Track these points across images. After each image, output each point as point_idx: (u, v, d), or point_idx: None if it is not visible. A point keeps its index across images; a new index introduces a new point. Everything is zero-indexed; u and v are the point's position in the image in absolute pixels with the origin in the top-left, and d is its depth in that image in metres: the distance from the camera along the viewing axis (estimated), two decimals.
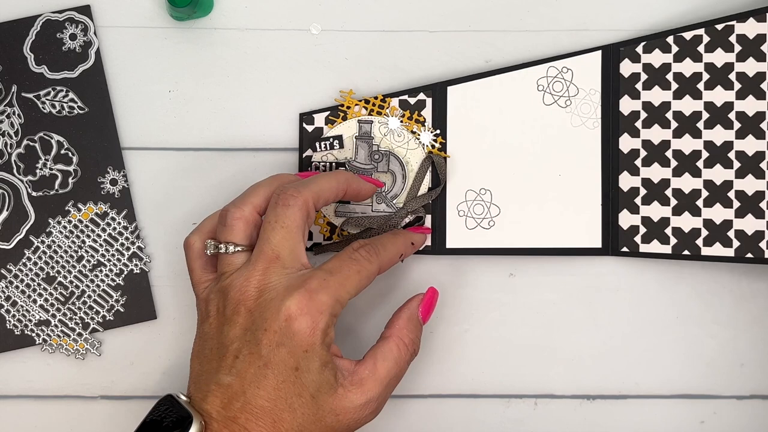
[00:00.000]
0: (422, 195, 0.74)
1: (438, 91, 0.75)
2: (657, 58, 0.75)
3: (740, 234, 0.74)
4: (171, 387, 0.77)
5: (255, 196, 0.67)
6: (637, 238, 0.75)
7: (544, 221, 0.75)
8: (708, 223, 0.74)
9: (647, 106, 0.75)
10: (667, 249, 0.74)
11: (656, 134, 0.75)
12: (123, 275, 0.76)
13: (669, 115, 0.75)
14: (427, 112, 0.75)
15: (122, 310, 0.76)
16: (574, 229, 0.75)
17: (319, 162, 0.75)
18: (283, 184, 0.67)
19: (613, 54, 0.75)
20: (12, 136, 0.75)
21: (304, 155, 0.75)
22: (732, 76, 0.74)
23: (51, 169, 0.75)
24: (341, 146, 0.75)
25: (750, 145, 0.74)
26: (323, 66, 0.77)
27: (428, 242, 0.75)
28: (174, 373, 0.77)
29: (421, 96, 0.75)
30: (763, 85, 0.74)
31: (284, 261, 0.64)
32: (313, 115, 0.75)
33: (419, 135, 0.75)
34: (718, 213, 0.74)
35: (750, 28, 0.74)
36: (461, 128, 0.75)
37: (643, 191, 0.74)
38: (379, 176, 0.75)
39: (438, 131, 0.75)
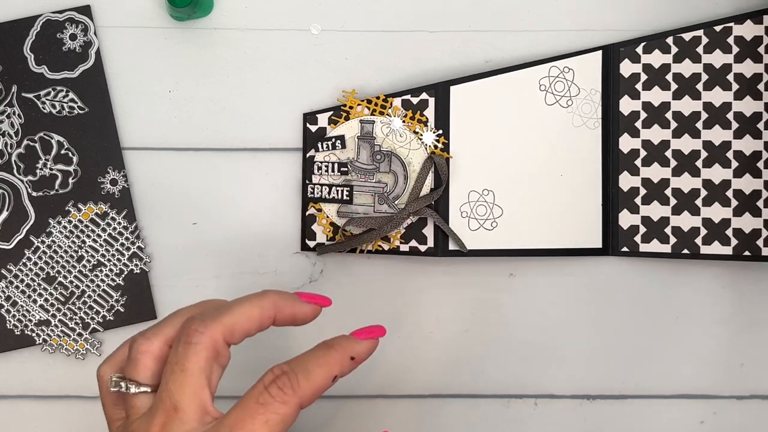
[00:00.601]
0: (424, 196, 0.74)
1: (441, 90, 0.75)
2: (657, 58, 0.75)
3: (738, 232, 0.74)
4: None
5: (169, 326, 0.58)
6: (637, 238, 0.75)
7: (545, 222, 0.75)
8: (707, 222, 0.74)
9: (647, 106, 0.75)
10: (666, 248, 0.75)
11: (656, 134, 0.75)
12: (123, 275, 0.76)
13: (668, 115, 0.75)
14: (430, 112, 0.75)
15: (122, 310, 0.76)
16: (575, 229, 0.75)
17: (322, 162, 0.75)
18: (192, 316, 0.57)
19: (613, 54, 0.75)
20: (12, 136, 0.75)
21: (307, 155, 0.75)
22: (730, 77, 0.75)
23: (51, 169, 0.75)
24: (343, 146, 0.75)
25: (747, 144, 0.74)
26: (323, 66, 0.77)
27: (431, 244, 0.75)
28: None
29: (424, 96, 0.75)
30: (760, 86, 0.75)
31: (183, 413, 0.55)
32: (317, 115, 0.75)
33: (422, 135, 0.75)
34: (716, 212, 0.74)
35: (747, 30, 0.75)
36: (464, 128, 0.75)
37: (643, 191, 0.75)
38: (380, 177, 0.75)
39: (441, 131, 0.75)
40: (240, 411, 0.54)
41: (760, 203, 0.74)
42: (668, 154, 0.75)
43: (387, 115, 0.75)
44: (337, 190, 0.75)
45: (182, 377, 0.55)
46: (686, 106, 0.75)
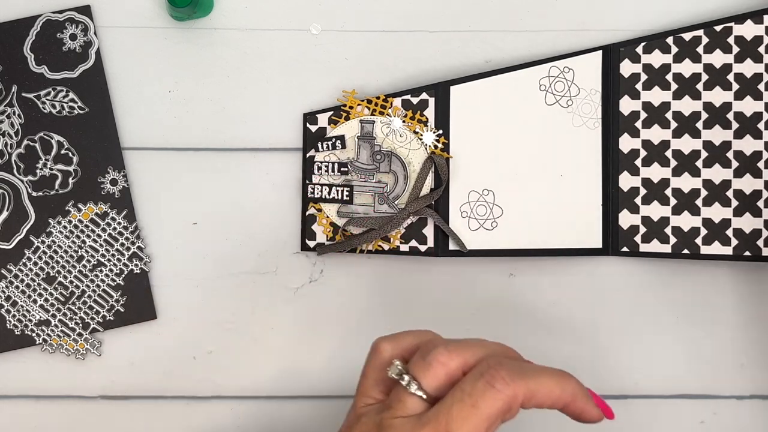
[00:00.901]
0: (424, 196, 0.74)
1: (441, 90, 0.75)
2: (657, 58, 0.75)
3: (738, 232, 0.74)
4: (171, 387, 0.77)
5: (470, 353, 0.57)
6: (637, 238, 0.75)
7: (545, 222, 0.75)
8: (707, 222, 0.74)
9: (647, 106, 0.75)
10: (666, 248, 0.74)
11: (656, 134, 0.75)
12: (123, 275, 0.76)
13: (668, 115, 0.75)
14: (430, 112, 0.75)
15: (122, 310, 0.76)
16: (575, 229, 0.75)
17: (322, 162, 0.75)
18: (499, 357, 0.56)
19: (613, 54, 0.75)
20: (12, 136, 0.75)
21: (307, 155, 0.75)
22: (730, 77, 0.75)
23: (51, 169, 0.75)
24: (343, 146, 0.75)
25: (748, 144, 0.74)
26: (323, 66, 0.77)
27: (431, 244, 0.75)
28: (174, 373, 0.77)
29: (424, 96, 0.75)
30: (761, 86, 0.74)
31: None
32: (317, 115, 0.75)
33: (422, 135, 0.75)
34: (716, 212, 0.74)
35: (747, 30, 0.75)
36: (464, 128, 0.75)
37: (643, 191, 0.75)
38: (380, 177, 0.75)
39: (441, 131, 0.75)
40: None
41: (760, 203, 0.74)
42: (668, 154, 0.75)
43: (387, 115, 0.75)
44: (337, 190, 0.75)
45: (469, 411, 0.54)
46: (686, 106, 0.75)
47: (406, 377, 0.56)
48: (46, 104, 0.75)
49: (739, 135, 0.74)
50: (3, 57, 0.75)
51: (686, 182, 0.75)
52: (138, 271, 0.76)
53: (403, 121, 0.75)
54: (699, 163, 0.74)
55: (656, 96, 0.75)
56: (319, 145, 0.75)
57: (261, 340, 0.76)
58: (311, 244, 0.75)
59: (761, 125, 0.74)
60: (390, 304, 0.76)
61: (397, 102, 0.75)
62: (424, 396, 0.55)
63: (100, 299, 0.75)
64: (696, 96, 0.75)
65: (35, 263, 0.75)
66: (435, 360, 0.56)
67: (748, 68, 0.75)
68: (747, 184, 0.74)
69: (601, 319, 0.77)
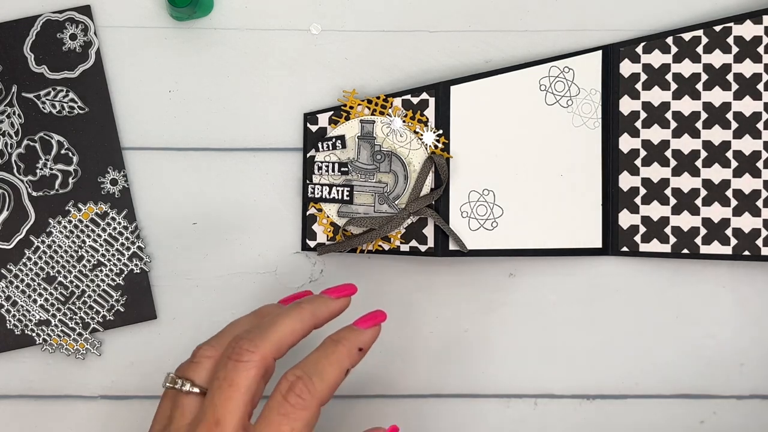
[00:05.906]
0: (424, 196, 0.74)
1: (441, 90, 0.75)
2: (656, 58, 0.75)
3: (738, 232, 0.74)
4: None
5: (227, 338, 0.61)
6: (637, 238, 0.75)
7: (545, 222, 0.75)
8: (707, 222, 0.74)
9: (647, 106, 0.75)
10: (666, 248, 0.75)
11: (656, 134, 0.75)
12: (123, 275, 0.76)
13: (668, 115, 0.75)
14: (430, 112, 0.75)
15: (122, 310, 0.76)
16: (575, 229, 0.75)
17: (322, 162, 0.75)
18: (239, 334, 0.59)
19: (613, 54, 0.75)
20: (12, 136, 0.75)
21: (307, 155, 0.75)
22: (730, 77, 0.75)
23: (51, 169, 0.75)
24: (343, 146, 0.75)
25: (747, 144, 0.75)
26: (323, 66, 0.77)
27: (431, 244, 0.75)
28: None
29: (424, 96, 0.75)
30: (760, 86, 0.75)
31: (224, 428, 0.55)
32: (317, 115, 0.75)
33: (422, 135, 0.75)
34: (716, 212, 0.75)
35: (747, 30, 0.75)
36: (464, 128, 0.75)
37: (642, 191, 0.75)
38: (381, 177, 0.75)
39: (441, 131, 0.75)
40: (264, 426, 0.56)
41: (759, 203, 0.74)
42: (668, 154, 0.75)
43: (387, 115, 0.75)
44: (338, 190, 0.75)
45: (229, 392, 0.56)
46: (686, 106, 0.75)
47: (179, 381, 0.59)
48: (46, 104, 0.75)
49: (738, 135, 0.75)
50: (3, 57, 0.75)
51: (686, 182, 0.75)
52: (138, 271, 0.76)
53: (404, 121, 0.75)
54: (698, 163, 0.75)
55: (656, 96, 0.75)
56: (320, 145, 0.75)
57: None
58: (311, 244, 0.75)
59: (760, 125, 0.74)
60: (390, 304, 0.76)
61: (397, 102, 0.75)
62: (199, 390, 0.59)
63: (100, 299, 0.75)
64: (695, 96, 0.75)
65: (35, 263, 0.75)
66: (200, 356, 0.60)
67: (748, 68, 0.75)
68: (746, 183, 0.74)
69: (600, 319, 0.77)
